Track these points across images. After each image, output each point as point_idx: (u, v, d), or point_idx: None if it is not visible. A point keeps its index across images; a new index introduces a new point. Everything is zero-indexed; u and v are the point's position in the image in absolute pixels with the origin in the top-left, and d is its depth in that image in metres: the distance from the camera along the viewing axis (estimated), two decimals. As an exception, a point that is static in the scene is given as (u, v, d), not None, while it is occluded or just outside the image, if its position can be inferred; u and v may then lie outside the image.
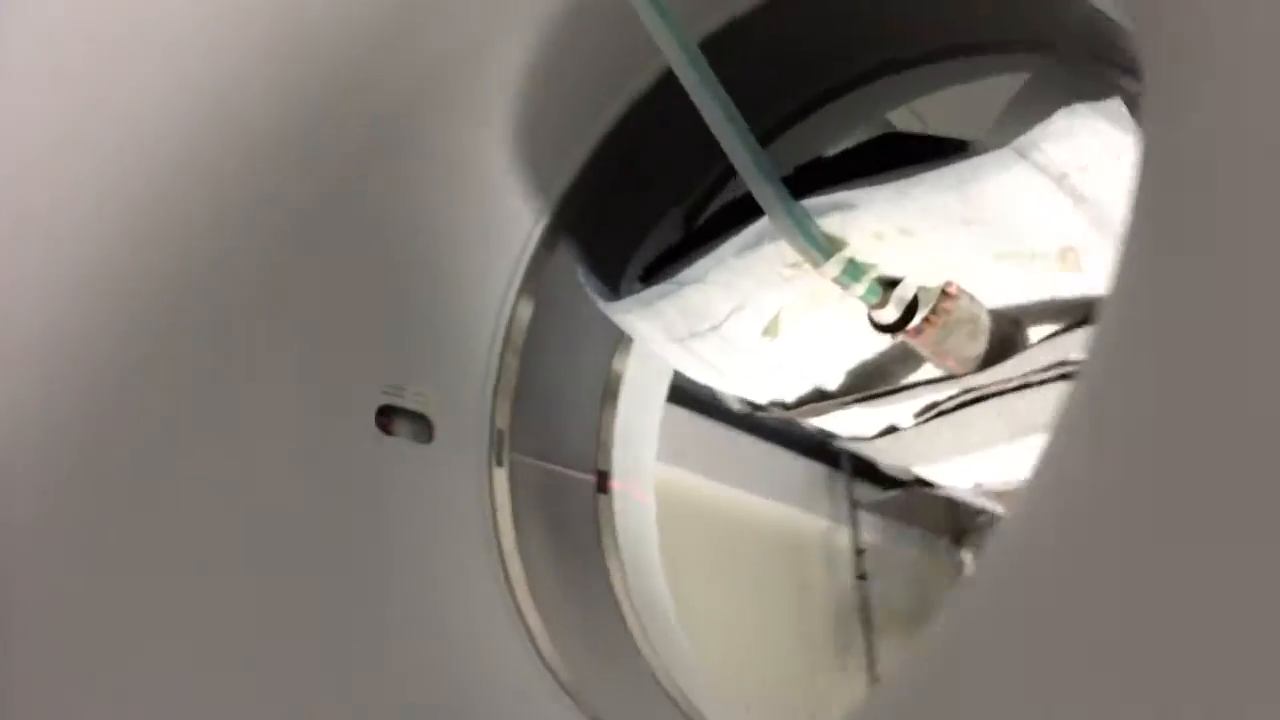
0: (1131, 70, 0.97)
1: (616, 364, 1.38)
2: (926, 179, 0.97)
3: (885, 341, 1.28)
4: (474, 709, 1.08)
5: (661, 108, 1.25)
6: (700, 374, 1.32)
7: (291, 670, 0.96)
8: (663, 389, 1.46)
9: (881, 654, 3.55)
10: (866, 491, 3.73)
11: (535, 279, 1.24)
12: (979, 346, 1.22)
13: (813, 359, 1.30)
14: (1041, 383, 1.35)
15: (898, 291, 1.12)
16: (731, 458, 3.27)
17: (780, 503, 3.53)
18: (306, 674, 0.97)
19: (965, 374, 1.26)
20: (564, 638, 1.16)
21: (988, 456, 1.60)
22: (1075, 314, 1.18)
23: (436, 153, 1.11)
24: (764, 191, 1.01)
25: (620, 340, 1.37)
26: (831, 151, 1.12)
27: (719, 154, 1.06)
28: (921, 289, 1.15)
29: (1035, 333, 1.24)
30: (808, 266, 1.12)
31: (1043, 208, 0.99)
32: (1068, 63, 0.99)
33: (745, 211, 1.13)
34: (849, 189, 1.03)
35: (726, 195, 1.26)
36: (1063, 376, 1.33)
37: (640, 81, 1.25)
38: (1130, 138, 0.92)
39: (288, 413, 1.02)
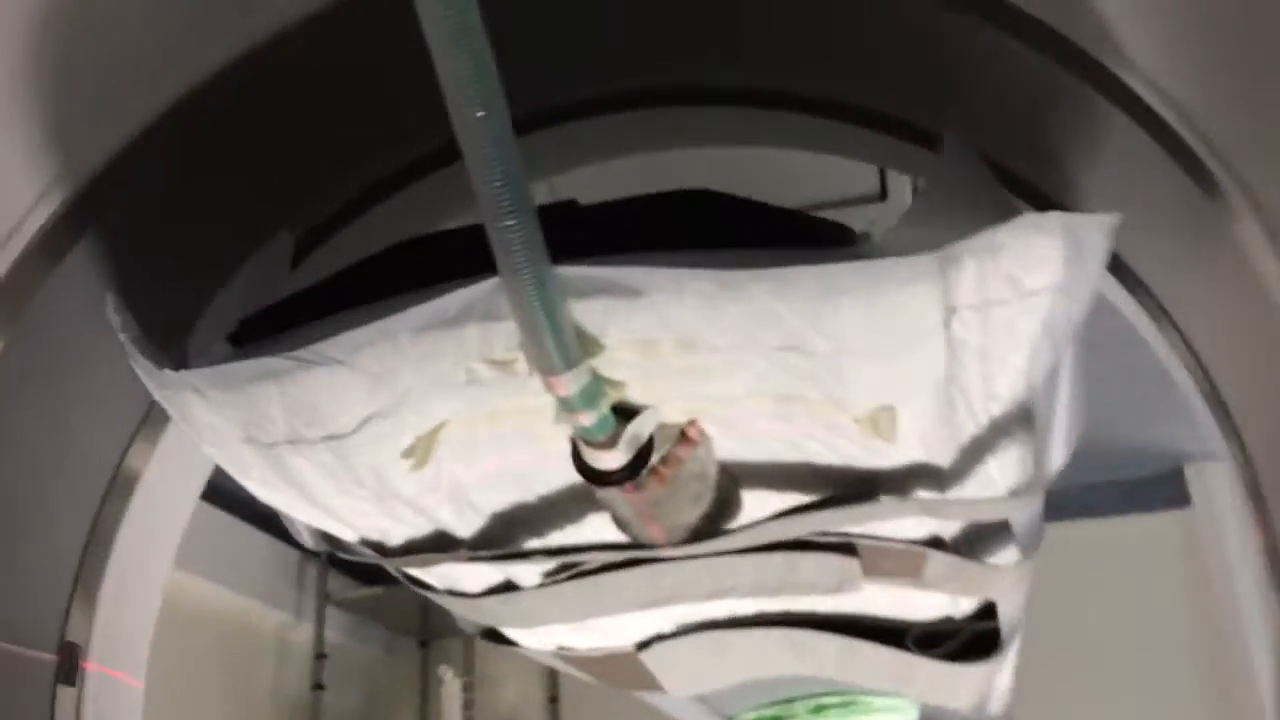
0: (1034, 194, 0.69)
1: (132, 461, 0.82)
2: (786, 276, 0.61)
3: (564, 480, 0.89)
4: None
5: (272, 74, 0.78)
6: (275, 495, 0.83)
7: None
8: (181, 523, 0.93)
9: (324, 773, 3.04)
10: (339, 584, 3.23)
11: (15, 296, 0.68)
12: (697, 512, 0.88)
13: (455, 493, 0.87)
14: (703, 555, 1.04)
15: (633, 428, 0.74)
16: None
17: (235, 591, 2.91)
18: None
19: (664, 544, 0.91)
20: None
21: (598, 621, 1.25)
22: (824, 484, 0.88)
23: None
24: (509, 239, 0.58)
25: (145, 423, 0.83)
26: (591, 200, 0.71)
27: (360, 153, 0.62)
28: (662, 425, 0.78)
29: (750, 497, 0.93)
30: (518, 368, 0.71)
31: (907, 347, 0.67)
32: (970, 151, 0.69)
33: (434, 261, 0.69)
34: (634, 263, 0.64)
35: (379, 221, 0.79)
36: (748, 549, 1.03)
37: (251, 28, 0.77)
38: (1091, 283, 0.64)
39: None
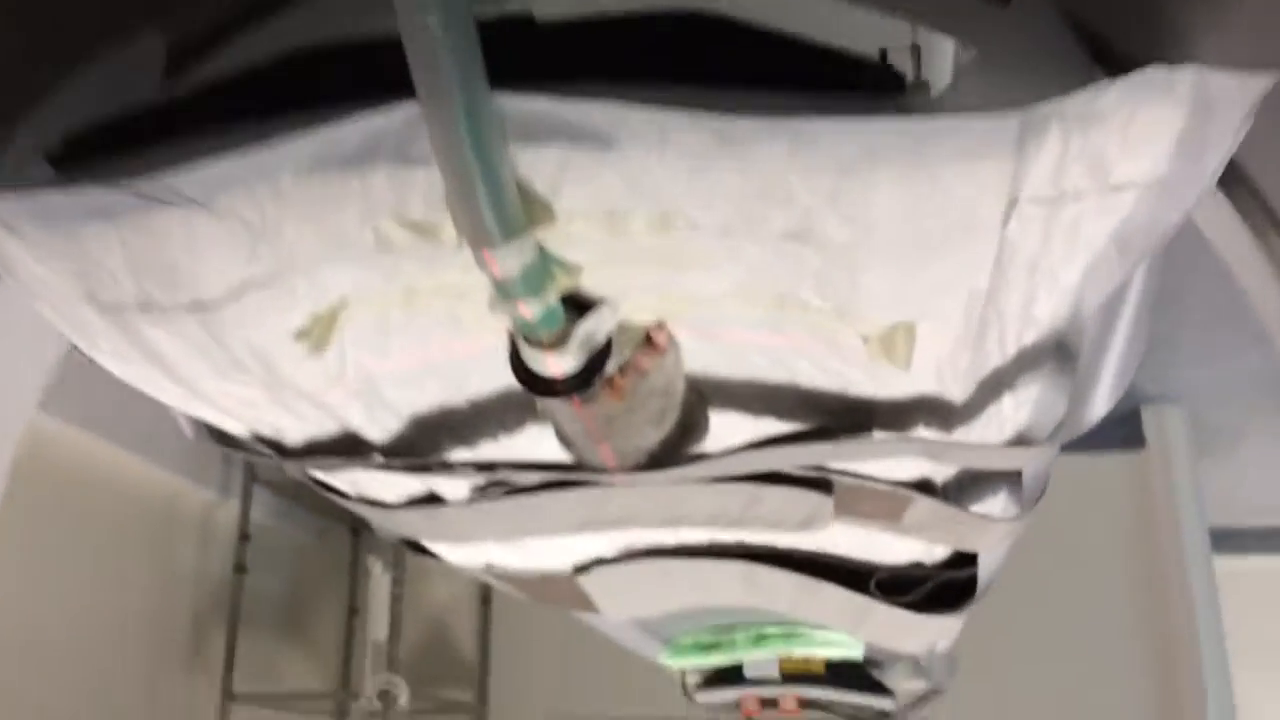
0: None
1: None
2: (807, 132, 0.45)
3: (498, 382, 0.73)
4: None
5: None
6: (132, 371, 0.67)
7: None
8: (34, 392, 0.76)
9: (240, 659, 2.92)
10: (267, 462, 3.08)
11: None
12: (657, 435, 0.73)
13: (363, 388, 0.71)
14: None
15: (587, 326, 0.59)
16: (98, 400, 2.43)
17: (158, 464, 2.75)
18: None
19: (615, 470, 0.76)
20: None
21: (532, 544, 1.12)
22: (808, 410, 0.73)
23: None
24: (433, 47, 0.41)
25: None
26: (552, 13, 0.54)
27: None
28: (623, 327, 0.62)
29: (720, 420, 0.78)
30: (443, 236, 0.55)
31: (949, 247, 0.52)
32: None
33: (340, 81, 0.52)
34: (603, 99, 0.48)
35: (276, 33, 0.61)
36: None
37: None
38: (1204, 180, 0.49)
39: None
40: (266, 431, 0.78)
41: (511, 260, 0.51)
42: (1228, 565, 3.28)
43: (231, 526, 3.00)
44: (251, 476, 3.03)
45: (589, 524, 0.99)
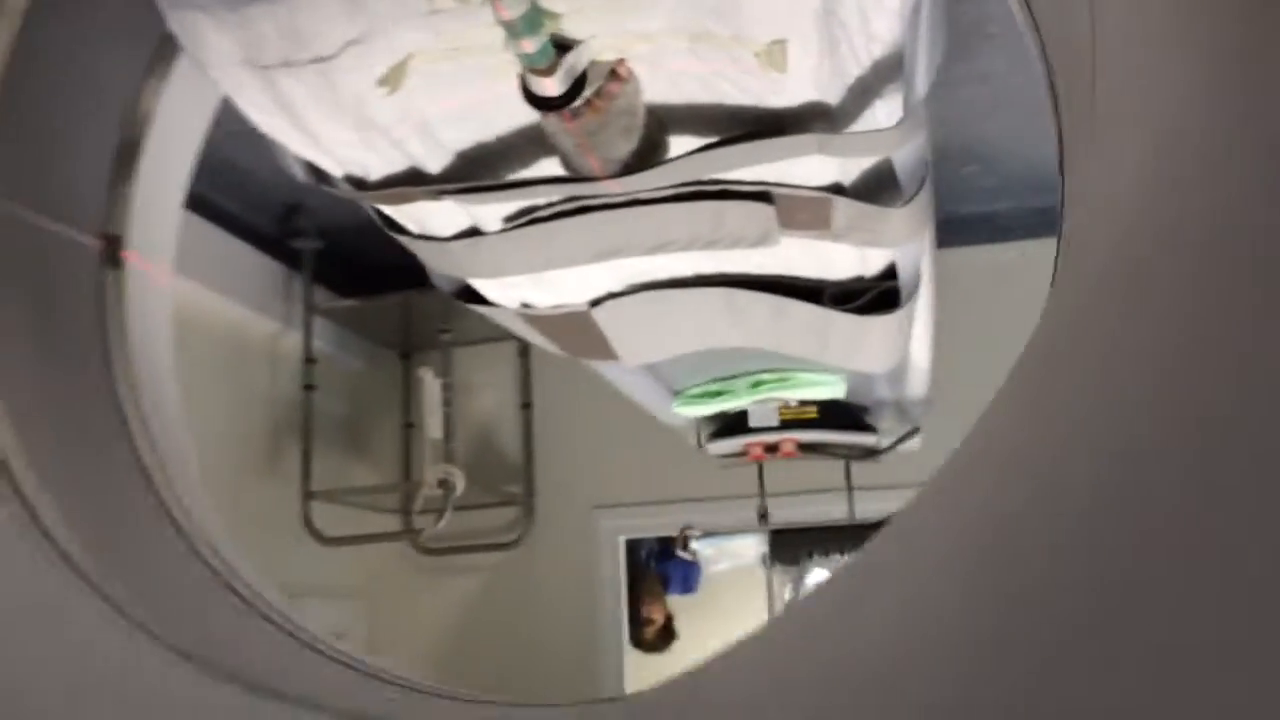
0: None
1: (146, 96, 0.97)
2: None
3: (514, 120, 1.04)
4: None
5: None
6: (268, 118, 0.98)
7: None
8: (199, 138, 1.08)
9: (315, 467, 3.34)
10: (324, 296, 3.43)
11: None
12: (629, 146, 1.04)
13: (423, 127, 1.02)
14: (649, 201, 1.21)
15: (569, 59, 0.89)
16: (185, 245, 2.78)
17: (229, 299, 3.11)
18: None
19: (601, 179, 1.08)
20: (37, 426, 0.80)
21: (555, 276, 1.44)
22: (736, 125, 1.04)
23: None
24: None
25: (156, 61, 0.97)
26: None
27: None
28: (593, 63, 0.93)
29: (676, 142, 1.09)
30: (472, 1, 0.85)
31: None
32: None
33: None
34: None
35: None
36: (680, 198, 1.20)
37: None
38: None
39: None
40: (355, 170, 1.10)
41: (513, 7, 0.81)
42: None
43: (296, 354, 3.37)
44: (310, 308, 3.38)
45: (596, 250, 1.31)
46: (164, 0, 0.84)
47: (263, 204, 3.14)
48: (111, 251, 0.93)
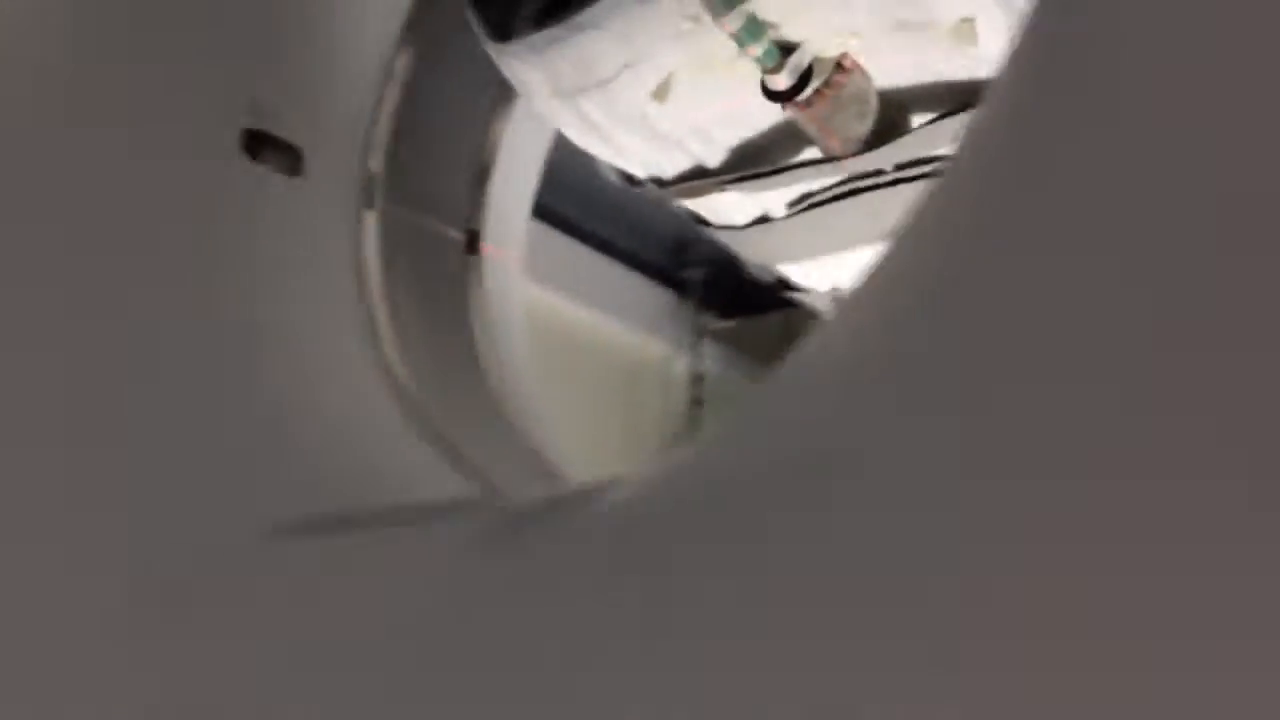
0: None
1: (497, 124, 1.32)
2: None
3: (771, 118, 1.27)
4: (332, 451, 1.05)
5: None
6: (582, 136, 1.28)
7: (154, 403, 0.90)
8: (540, 155, 1.41)
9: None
10: (710, 320, 3.77)
11: (422, 13, 1.16)
12: (865, 127, 1.22)
13: (697, 130, 1.28)
14: (915, 178, 1.37)
15: (794, 58, 1.11)
16: (581, 274, 3.27)
17: (625, 324, 3.54)
18: (169, 409, 0.92)
19: (847, 156, 1.27)
20: (429, 389, 1.13)
21: (851, 259, 1.63)
22: (959, 99, 1.19)
23: None
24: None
25: (502, 98, 1.32)
26: None
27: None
28: (817, 59, 1.13)
29: (918, 121, 1.26)
30: (706, 22, 1.09)
31: None
32: None
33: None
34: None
35: None
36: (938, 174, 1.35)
37: None
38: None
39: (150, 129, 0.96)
40: (655, 171, 1.37)
41: (735, 21, 1.04)
42: None
43: (683, 375, 3.75)
44: (700, 330, 3.75)
45: (876, 231, 1.48)
46: (494, 51, 1.16)
47: (655, 241, 3.56)
48: (472, 242, 1.27)
